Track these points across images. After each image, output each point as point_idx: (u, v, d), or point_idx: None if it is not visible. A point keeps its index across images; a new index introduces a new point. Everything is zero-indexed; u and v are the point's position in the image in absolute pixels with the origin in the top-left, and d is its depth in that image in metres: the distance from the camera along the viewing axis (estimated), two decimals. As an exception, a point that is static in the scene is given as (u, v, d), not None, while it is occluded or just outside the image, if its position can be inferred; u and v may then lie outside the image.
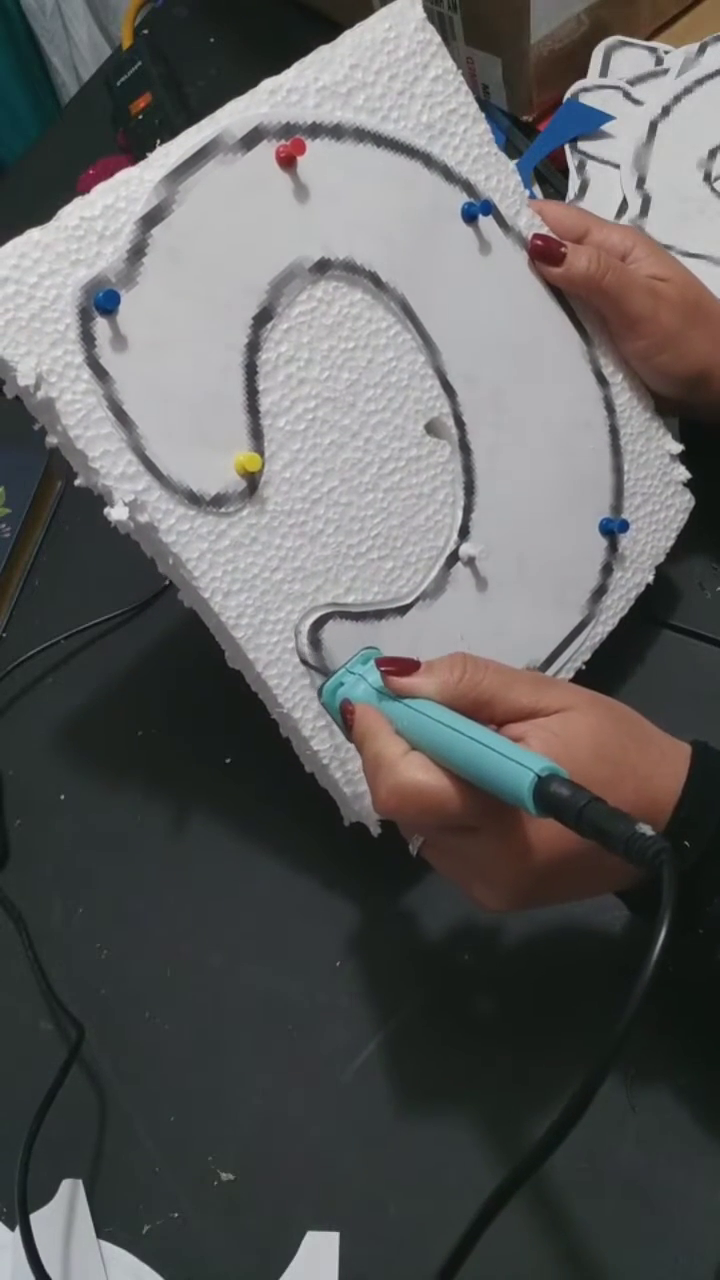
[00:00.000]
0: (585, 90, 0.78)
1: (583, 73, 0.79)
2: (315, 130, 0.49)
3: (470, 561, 0.54)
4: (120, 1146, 0.53)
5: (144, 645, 0.67)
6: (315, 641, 0.51)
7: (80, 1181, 0.52)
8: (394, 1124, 0.52)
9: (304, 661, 0.50)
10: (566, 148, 0.76)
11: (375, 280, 0.51)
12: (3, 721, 0.66)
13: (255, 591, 0.49)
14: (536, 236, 0.54)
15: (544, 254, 0.54)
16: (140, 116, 0.85)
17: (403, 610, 0.53)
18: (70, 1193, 0.52)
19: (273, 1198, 0.51)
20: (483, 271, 0.54)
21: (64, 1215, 0.51)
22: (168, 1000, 0.56)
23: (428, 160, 0.52)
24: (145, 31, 0.96)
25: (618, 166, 0.74)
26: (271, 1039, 0.54)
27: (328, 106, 0.50)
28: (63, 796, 0.63)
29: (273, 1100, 0.53)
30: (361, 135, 0.50)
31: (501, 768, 0.39)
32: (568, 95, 0.78)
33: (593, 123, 0.76)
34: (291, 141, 0.48)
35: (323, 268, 0.50)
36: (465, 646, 0.53)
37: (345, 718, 0.47)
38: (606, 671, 0.58)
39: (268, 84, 0.49)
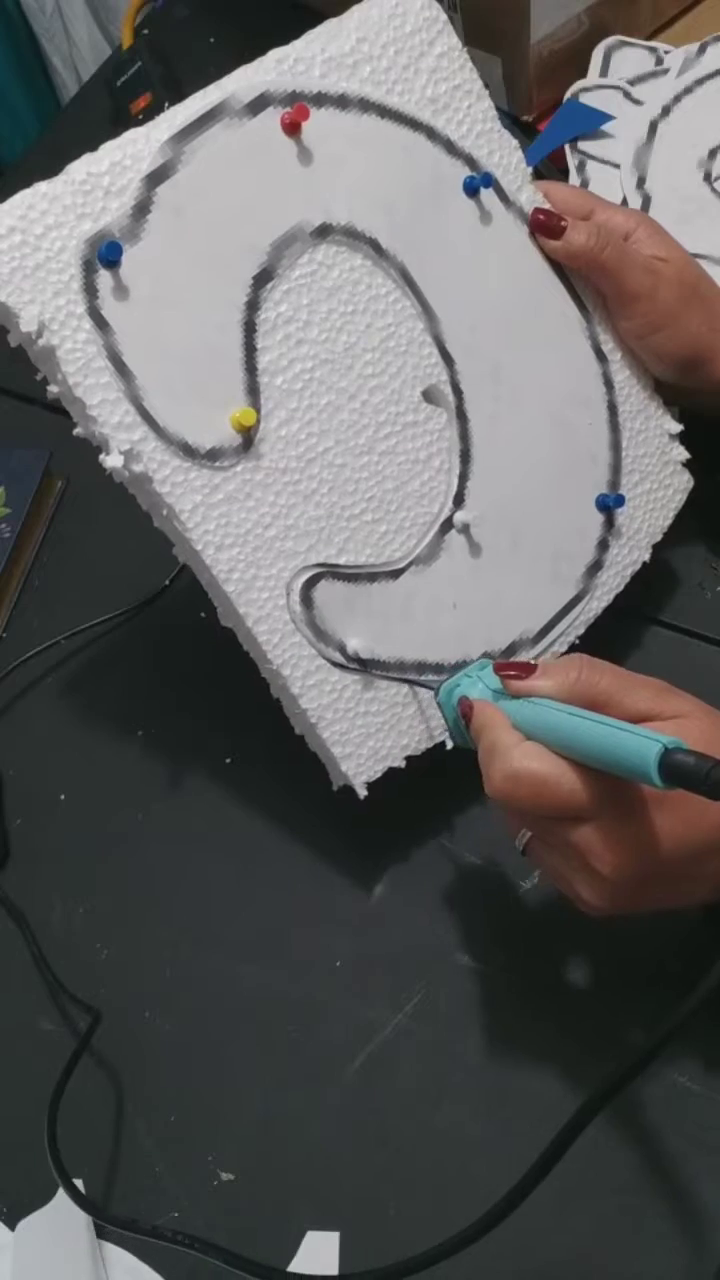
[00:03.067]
0: (585, 90, 0.78)
1: (583, 73, 0.79)
2: (320, 99, 0.50)
3: (464, 529, 0.54)
4: (120, 1146, 0.53)
5: (144, 645, 0.67)
6: (307, 600, 0.51)
7: (80, 1181, 0.52)
8: (394, 1124, 0.52)
9: (295, 624, 0.51)
10: (566, 148, 0.76)
11: (375, 247, 0.52)
12: (3, 721, 0.66)
13: (247, 547, 0.50)
14: (538, 211, 0.55)
15: (544, 228, 0.55)
16: (140, 116, 0.85)
17: (395, 574, 0.53)
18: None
19: (273, 1198, 0.51)
20: (483, 244, 0.54)
21: (64, 1215, 0.51)
22: (168, 1000, 0.56)
23: (431, 133, 0.53)
24: (145, 31, 0.96)
25: (618, 166, 0.74)
26: (271, 1039, 0.54)
27: (333, 77, 0.50)
28: (63, 796, 0.63)
29: (273, 1100, 0.53)
30: (366, 106, 0.51)
31: (626, 742, 0.39)
32: (568, 95, 0.78)
33: (593, 123, 0.76)
34: (295, 108, 0.49)
35: (324, 232, 0.51)
36: (458, 614, 0.54)
37: (463, 713, 0.48)
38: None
39: (275, 53, 0.50)
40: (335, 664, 0.52)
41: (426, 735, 0.55)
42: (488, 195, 0.54)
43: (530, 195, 0.55)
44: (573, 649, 0.58)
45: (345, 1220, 0.50)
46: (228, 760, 0.62)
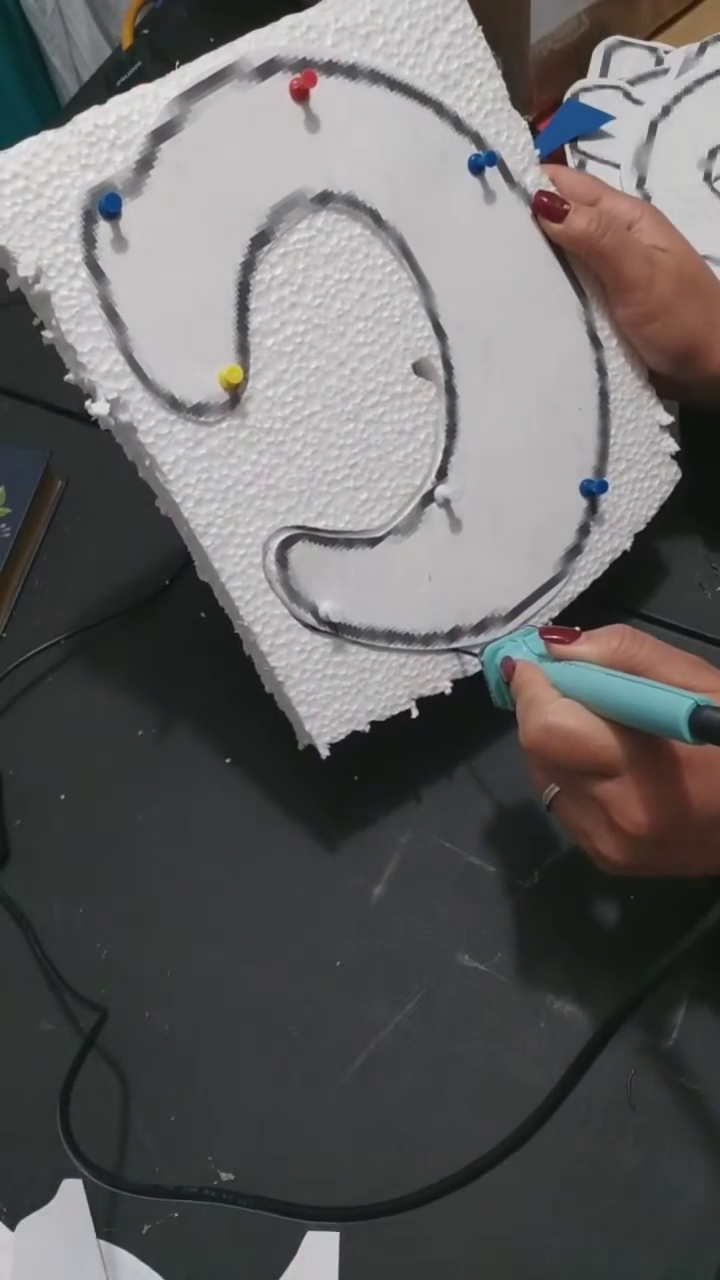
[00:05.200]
0: (585, 90, 0.78)
1: (583, 73, 0.79)
2: (330, 68, 0.50)
3: (445, 503, 0.55)
4: (120, 1146, 0.53)
5: (144, 645, 0.67)
6: (282, 560, 0.52)
7: (80, 1181, 0.52)
8: (394, 1124, 0.52)
9: (269, 583, 0.51)
10: (566, 148, 0.76)
11: (375, 218, 0.52)
12: (3, 721, 0.66)
13: (227, 503, 0.50)
14: (541, 193, 0.55)
15: (546, 210, 0.55)
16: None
17: (373, 542, 0.54)
18: (70, 1193, 0.52)
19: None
20: (485, 222, 0.54)
21: (64, 1215, 0.51)
22: (168, 1000, 0.56)
23: (439, 109, 0.53)
24: (145, 31, 0.96)
25: (618, 166, 0.75)
26: (271, 1039, 0.54)
27: (345, 46, 0.50)
28: (63, 796, 0.63)
29: (273, 1100, 0.53)
30: (376, 78, 0.51)
31: (658, 698, 0.41)
32: (568, 95, 0.78)
33: (593, 123, 0.76)
34: (303, 74, 0.49)
35: (325, 199, 0.51)
36: (433, 587, 0.55)
37: (505, 673, 0.50)
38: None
39: (288, 20, 0.50)
40: (307, 625, 0.53)
41: (392, 702, 0.55)
42: (492, 174, 0.54)
43: (535, 177, 0.55)
44: None
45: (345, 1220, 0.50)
46: (228, 760, 0.62)
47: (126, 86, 0.87)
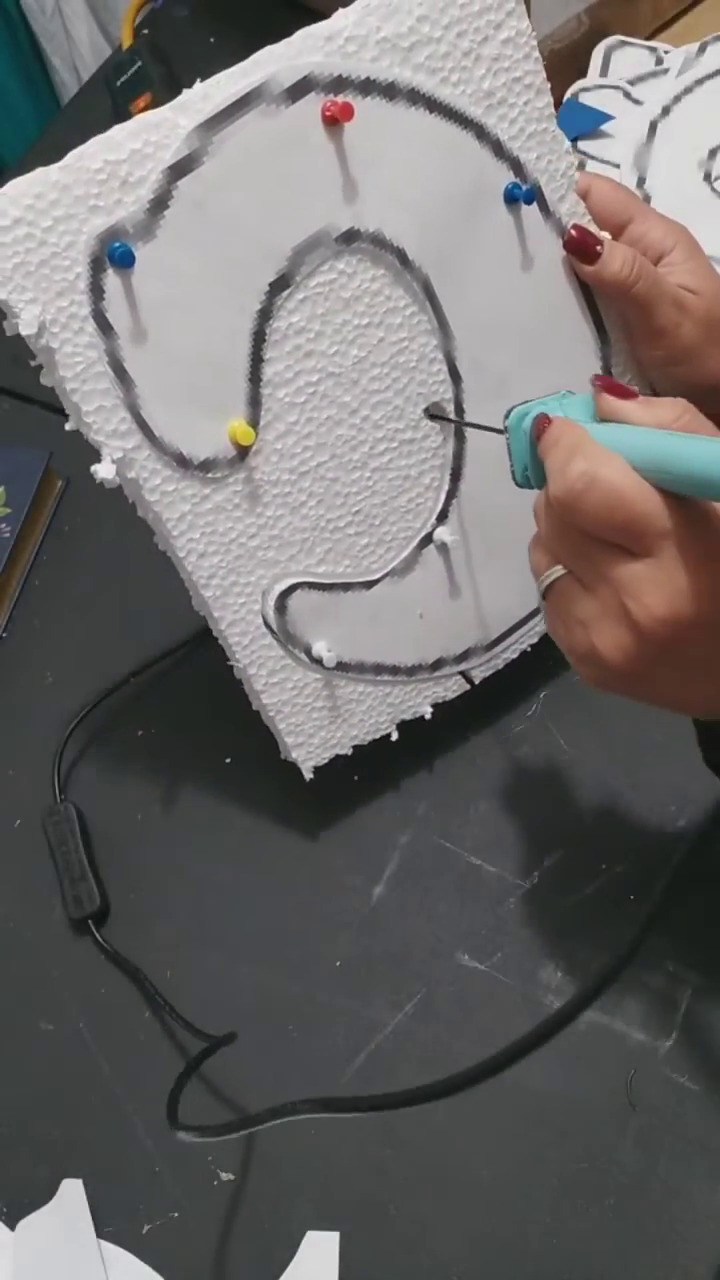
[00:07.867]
0: (585, 90, 0.78)
1: (583, 73, 0.79)
2: (367, 87, 0.46)
3: (442, 546, 0.54)
4: (120, 1146, 0.53)
5: (145, 646, 0.67)
6: (281, 607, 0.52)
7: (80, 1181, 0.52)
8: (394, 1124, 0.52)
9: (268, 626, 0.51)
10: (566, 148, 0.76)
11: (402, 257, 0.49)
12: (3, 722, 0.66)
13: (229, 555, 0.50)
14: (574, 227, 0.52)
15: (579, 249, 0.52)
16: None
17: (369, 585, 0.54)
18: (70, 1193, 0.52)
19: (273, 1198, 0.51)
20: (513, 259, 0.52)
21: (64, 1215, 0.51)
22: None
23: (480, 132, 0.49)
24: (145, 31, 0.96)
25: (618, 166, 0.75)
26: (271, 1039, 0.54)
27: (385, 61, 0.46)
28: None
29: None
30: (415, 98, 0.47)
31: (712, 450, 0.36)
32: (568, 95, 0.78)
33: (593, 123, 0.76)
34: (340, 106, 0.45)
35: (350, 238, 0.47)
36: (423, 623, 0.55)
37: (538, 430, 0.43)
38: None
39: (323, 29, 0.45)
40: (300, 664, 0.53)
41: (375, 727, 0.56)
42: (527, 208, 0.51)
43: (571, 205, 0.52)
44: (523, 656, 0.58)
45: (345, 1220, 0.50)
46: (228, 760, 0.62)
47: (126, 86, 0.87)
